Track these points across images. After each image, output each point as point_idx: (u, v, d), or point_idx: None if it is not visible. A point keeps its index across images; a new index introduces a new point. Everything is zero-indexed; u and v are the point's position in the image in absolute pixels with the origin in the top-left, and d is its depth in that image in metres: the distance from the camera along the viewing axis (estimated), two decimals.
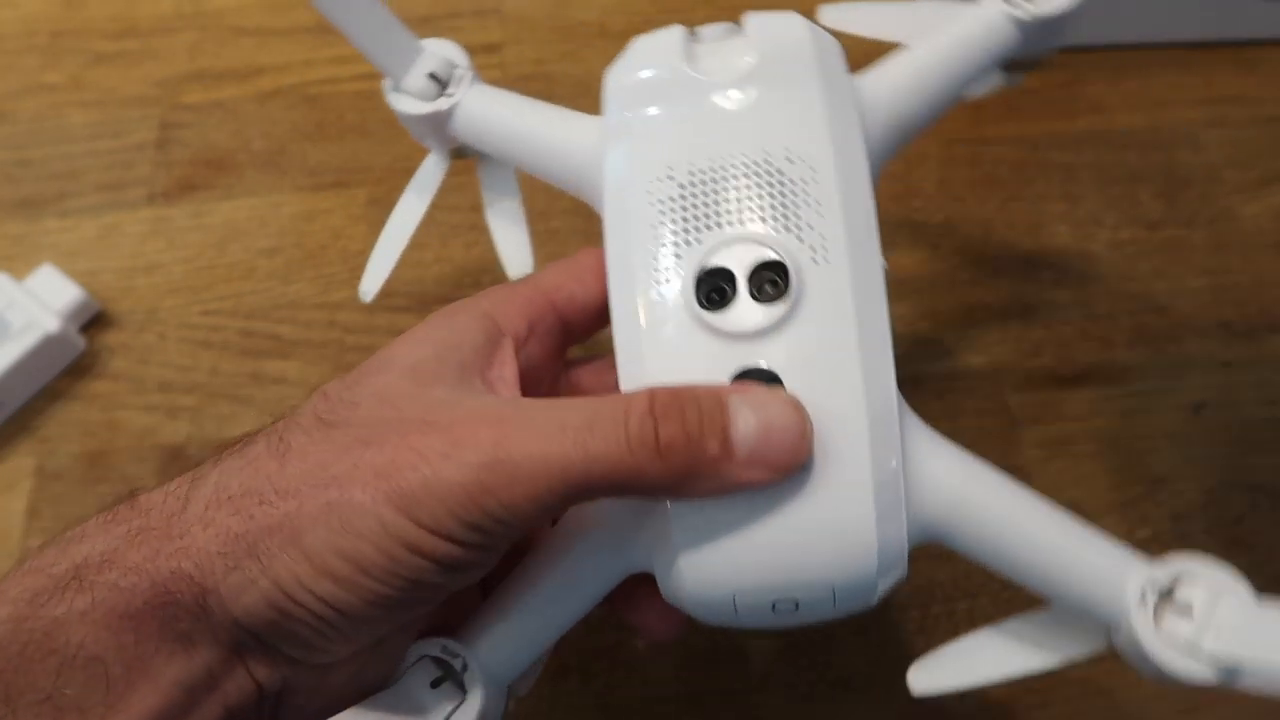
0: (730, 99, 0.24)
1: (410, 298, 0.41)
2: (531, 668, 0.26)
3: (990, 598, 0.36)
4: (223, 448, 0.23)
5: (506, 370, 0.24)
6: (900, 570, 0.23)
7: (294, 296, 0.41)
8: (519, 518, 0.20)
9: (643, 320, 0.22)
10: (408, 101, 0.29)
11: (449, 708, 0.23)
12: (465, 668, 0.23)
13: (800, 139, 0.23)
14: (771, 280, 0.22)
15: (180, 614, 0.21)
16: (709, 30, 0.26)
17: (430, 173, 0.32)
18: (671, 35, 0.26)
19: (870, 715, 0.34)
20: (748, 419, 0.21)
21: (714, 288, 0.22)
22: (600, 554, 0.24)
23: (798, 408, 0.21)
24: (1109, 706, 0.34)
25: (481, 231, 0.42)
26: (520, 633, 0.24)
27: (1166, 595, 0.22)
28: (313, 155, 0.44)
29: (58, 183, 0.44)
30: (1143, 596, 0.22)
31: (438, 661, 0.23)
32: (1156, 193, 0.43)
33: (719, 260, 0.22)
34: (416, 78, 0.29)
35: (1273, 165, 0.44)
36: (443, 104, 0.29)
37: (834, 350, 0.22)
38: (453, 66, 0.30)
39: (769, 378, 0.22)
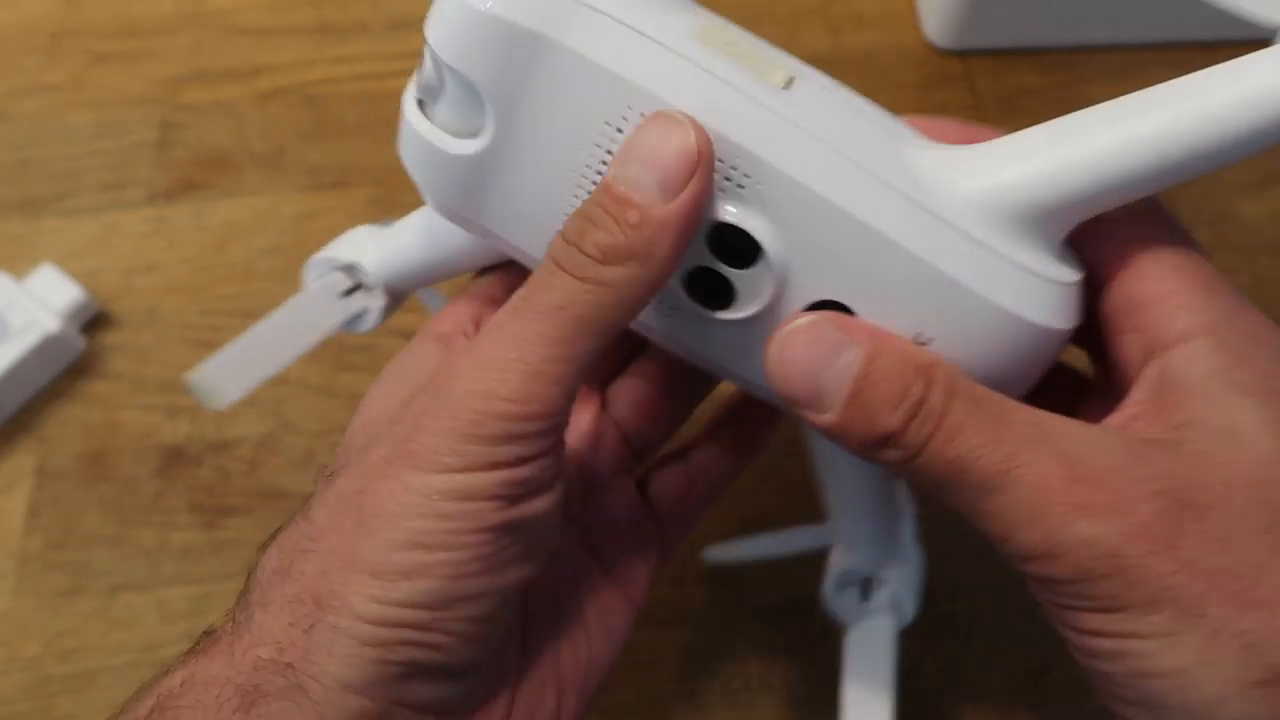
0: None
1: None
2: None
3: (990, 596, 0.36)
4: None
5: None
6: None
7: None
8: (534, 402, 0.20)
9: None
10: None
11: (359, 306, 0.27)
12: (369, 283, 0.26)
13: None
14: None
15: (276, 710, 0.19)
16: None
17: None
18: None
19: None
20: (631, 170, 0.20)
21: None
22: None
23: (653, 119, 0.20)
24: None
25: None
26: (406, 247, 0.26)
27: None
28: (313, 155, 0.44)
29: (58, 183, 0.44)
30: None
31: (346, 271, 0.27)
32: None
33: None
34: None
35: (1273, 165, 0.44)
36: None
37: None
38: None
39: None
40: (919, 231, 0.21)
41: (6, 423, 0.39)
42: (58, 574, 0.36)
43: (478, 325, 0.26)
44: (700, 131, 0.20)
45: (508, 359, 0.20)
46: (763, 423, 0.30)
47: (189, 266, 0.42)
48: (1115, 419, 0.20)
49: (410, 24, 0.45)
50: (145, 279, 0.42)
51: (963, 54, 0.47)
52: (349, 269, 0.27)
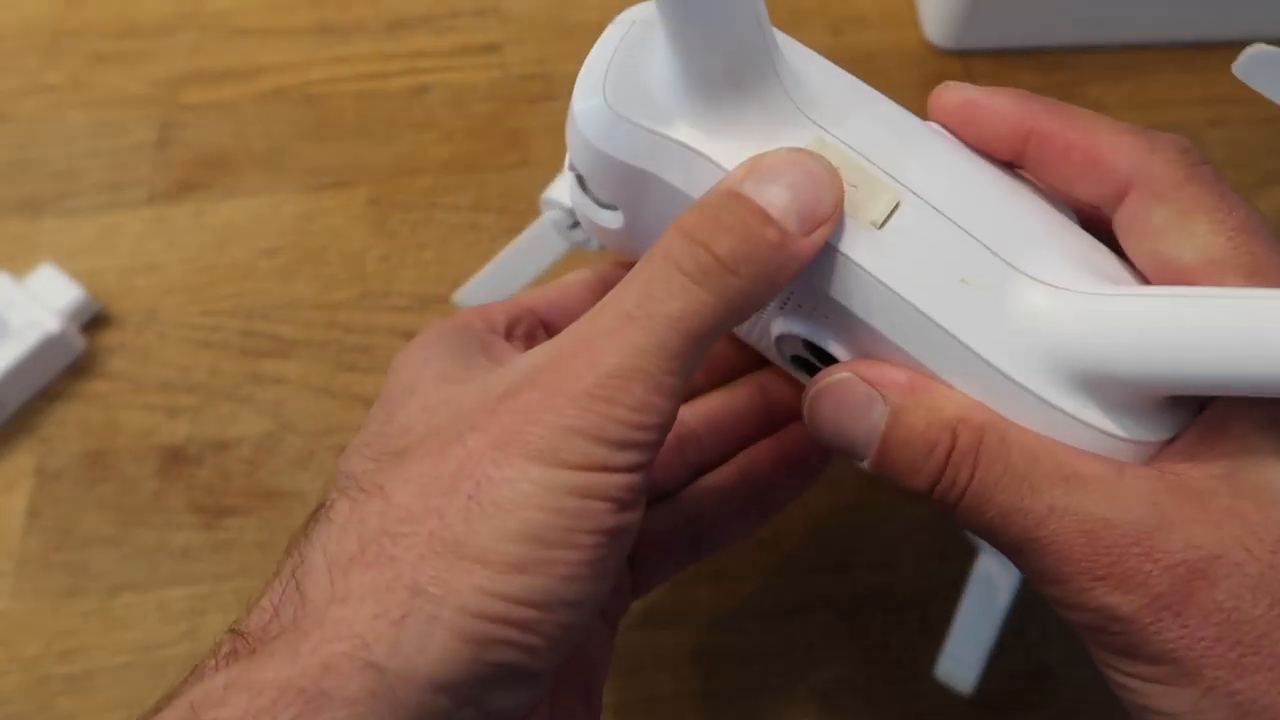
0: None
1: (410, 297, 0.41)
2: None
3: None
4: (291, 546, 0.20)
5: (507, 352, 0.24)
6: None
7: (294, 296, 0.41)
8: (652, 413, 0.19)
9: None
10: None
11: (580, 237, 0.31)
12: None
13: None
14: None
15: (344, 718, 0.17)
16: None
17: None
18: None
19: (870, 715, 0.34)
20: (774, 192, 0.20)
21: None
22: None
23: (796, 152, 0.20)
24: (1109, 706, 0.34)
25: (482, 231, 0.42)
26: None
27: None
28: (313, 155, 0.44)
29: (58, 183, 0.44)
30: None
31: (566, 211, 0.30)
32: None
33: None
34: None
35: (1273, 165, 0.44)
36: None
37: None
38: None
39: None
40: (986, 389, 0.21)
41: (6, 423, 0.39)
42: (58, 574, 0.36)
43: (510, 326, 0.26)
44: (839, 181, 0.21)
45: (631, 368, 0.19)
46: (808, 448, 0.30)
47: (189, 266, 0.42)
48: (1167, 453, 0.21)
49: (410, 24, 0.45)
50: (145, 279, 0.42)
51: (963, 54, 0.47)
52: (567, 210, 0.31)
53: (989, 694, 0.34)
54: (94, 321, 0.41)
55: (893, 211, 0.21)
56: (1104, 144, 0.22)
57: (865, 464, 0.21)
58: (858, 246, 0.21)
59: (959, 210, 0.21)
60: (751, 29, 0.21)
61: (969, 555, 0.36)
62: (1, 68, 0.47)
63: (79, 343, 0.40)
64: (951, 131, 0.24)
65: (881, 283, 0.21)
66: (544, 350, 0.20)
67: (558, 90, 0.46)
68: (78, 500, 0.38)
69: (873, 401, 0.21)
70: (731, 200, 0.20)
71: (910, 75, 0.46)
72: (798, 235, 0.20)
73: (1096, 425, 0.20)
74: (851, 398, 0.21)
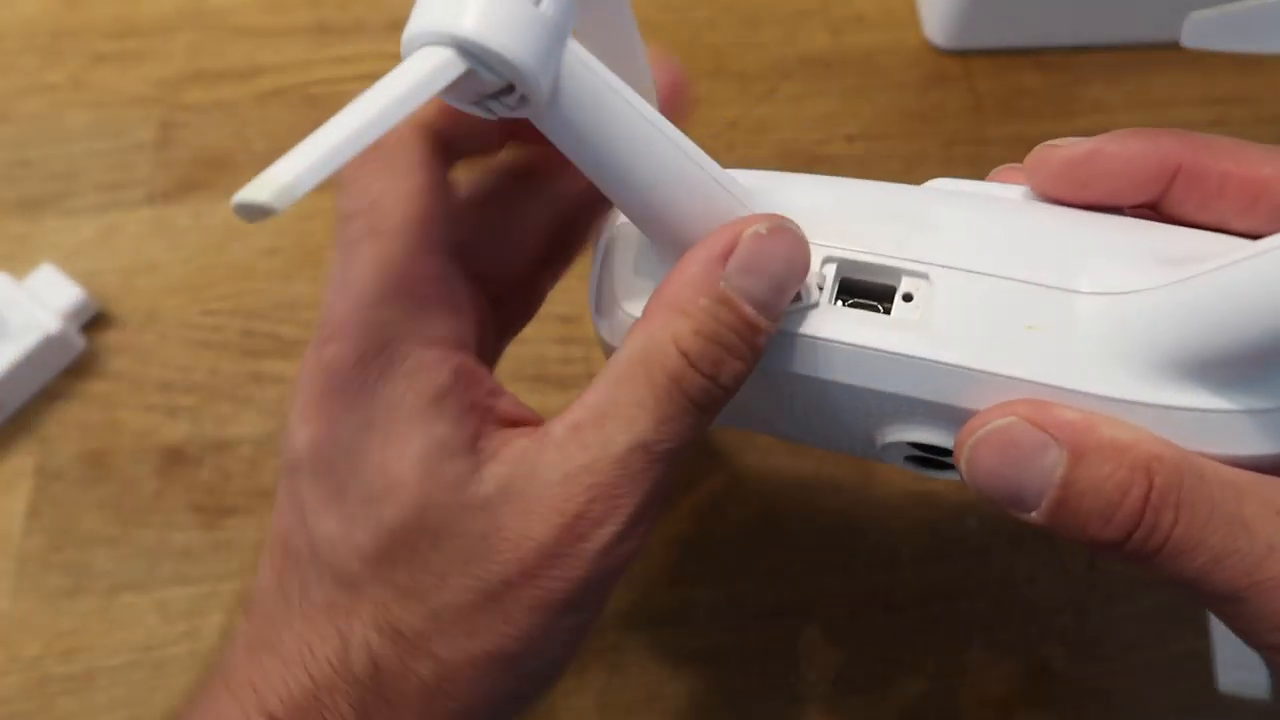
0: None
1: None
2: None
3: (990, 596, 0.36)
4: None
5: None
6: None
7: (294, 296, 0.41)
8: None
9: None
10: None
11: None
12: None
13: None
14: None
15: None
16: None
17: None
18: None
19: (870, 715, 0.34)
20: (761, 290, 0.20)
21: None
22: None
23: (782, 234, 0.20)
24: (1109, 706, 0.34)
25: None
26: None
27: None
28: None
29: (58, 183, 0.44)
30: None
31: None
32: None
33: None
34: None
35: None
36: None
37: None
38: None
39: None
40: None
41: (6, 423, 0.39)
42: (58, 574, 0.36)
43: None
44: (808, 258, 0.21)
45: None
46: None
47: (189, 266, 0.42)
48: None
49: None
50: (145, 279, 0.42)
51: (963, 54, 0.47)
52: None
53: (989, 694, 0.34)
54: (94, 321, 0.41)
55: (920, 284, 0.21)
56: (1265, 171, 0.20)
57: (1036, 515, 0.19)
58: (917, 344, 0.21)
59: (994, 262, 0.21)
60: (720, 216, 0.21)
61: (969, 555, 0.36)
62: (1, 68, 0.47)
63: (79, 343, 0.40)
64: (1055, 199, 0.22)
65: (955, 366, 0.20)
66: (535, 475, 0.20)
67: None
68: (78, 500, 0.38)
69: (1045, 447, 0.19)
70: (724, 311, 0.20)
71: (910, 75, 0.46)
72: (770, 329, 0.20)
73: (1232, 407, 0.19)
74: (1018, 444, 0.19)
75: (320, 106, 0.45)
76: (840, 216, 0.22)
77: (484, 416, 0.21)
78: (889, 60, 0.47)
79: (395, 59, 0.18)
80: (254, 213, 0.15)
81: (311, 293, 0.41)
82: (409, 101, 0.16)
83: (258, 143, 0.45)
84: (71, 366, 0.40)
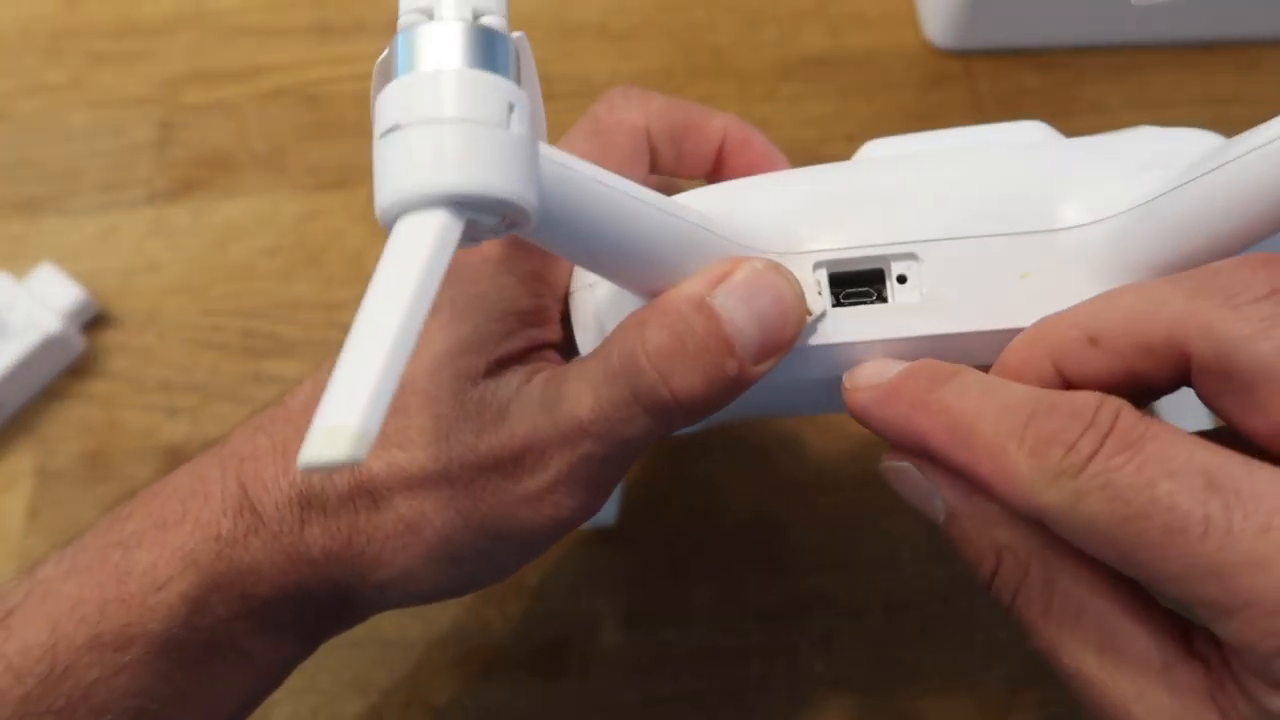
0: None
1: None
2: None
3: (990, 598, 0.36)
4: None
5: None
6: None
7: (294, 296, 0.41)
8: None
9: None
10: None
11: None
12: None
13: None
14: None
15: None
16: None
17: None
18: None
19: (870, 715, 0.34)
20: (742, 317, 0.20)
21: None
22: None
23: (771, 272, 0.21)
24: None
25: None
26: None
27: None
28: (313, 155, 0.44)
29: (58, 183, 0.44)
30: None
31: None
32: None
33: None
34: None
35: None
36: None
37: None
38: None
39: None
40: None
41: (6, 423, 0.39)
42: None
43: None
44: (802, 308, 0.21)
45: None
46: None
47: (189, 266, 0.42)
48: None
49: None
50: (145, 279, 0.42)
51: (963, 54, 0.47)
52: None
53: (989, 694, 0.34)
54: (94, 321, 0.41)
55: (911, 266, 0.22)
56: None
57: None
58: (927, 323, 0.21)
59: (973, 222, 0.21)
60: (701, 258, 0.21)
61: None
62: (1, 68, 0.47)
63: (79, 343, 0.40)
64: None
65: (967, 333, 0.21)
66: (503, 434, 0.22)
67: (557, 90, 0.46)
68: (78, 500, 0.38)
69: (931, 496, 0.21)
70: (699, 319, 0.20)
71: (910, 75, 0.46)
72: (751, 366, 0.20)
73: None
74: (914, 486, 0.21)
75: (320, 106, 0.45)
76: (808, 218, 0.22)
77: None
78: (889, 60, 0.47)
79: None
80: (332, 469, 0.14)
81: (312, 293, 0.41)
82: (428, 288, 0.15)
83: (258, 143, 0.45)
84: (71, 366, 0.40)
